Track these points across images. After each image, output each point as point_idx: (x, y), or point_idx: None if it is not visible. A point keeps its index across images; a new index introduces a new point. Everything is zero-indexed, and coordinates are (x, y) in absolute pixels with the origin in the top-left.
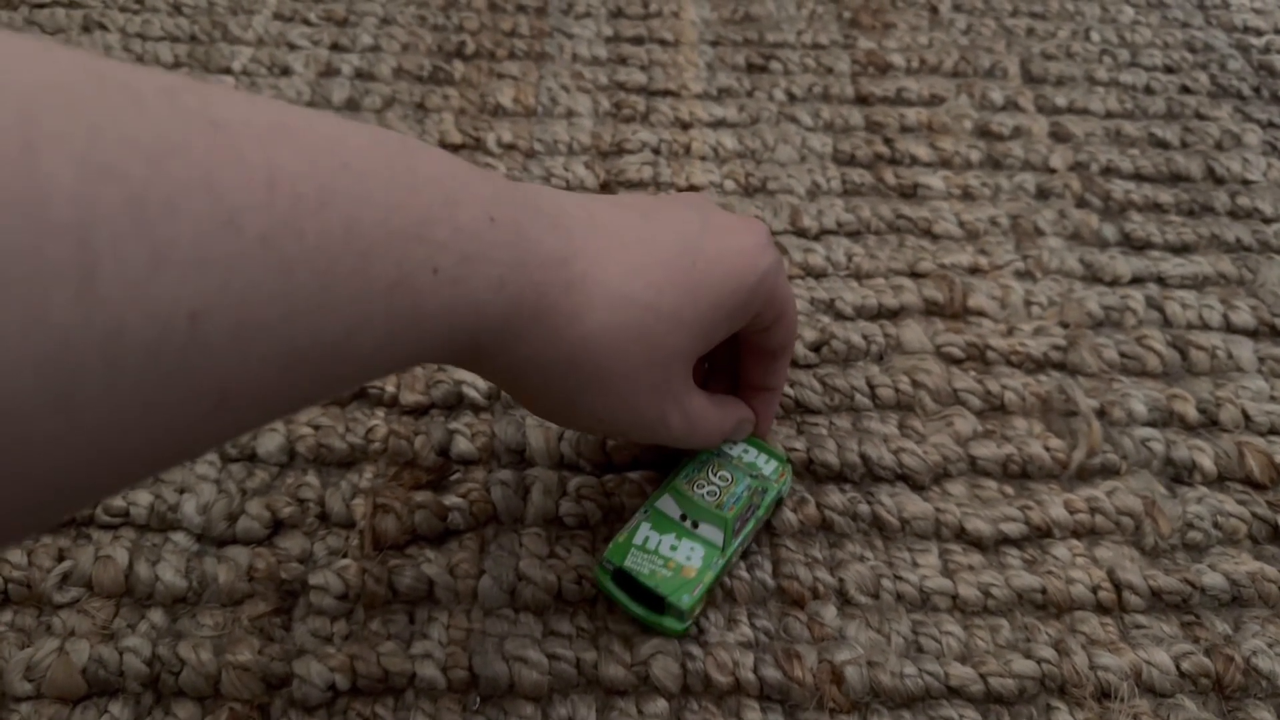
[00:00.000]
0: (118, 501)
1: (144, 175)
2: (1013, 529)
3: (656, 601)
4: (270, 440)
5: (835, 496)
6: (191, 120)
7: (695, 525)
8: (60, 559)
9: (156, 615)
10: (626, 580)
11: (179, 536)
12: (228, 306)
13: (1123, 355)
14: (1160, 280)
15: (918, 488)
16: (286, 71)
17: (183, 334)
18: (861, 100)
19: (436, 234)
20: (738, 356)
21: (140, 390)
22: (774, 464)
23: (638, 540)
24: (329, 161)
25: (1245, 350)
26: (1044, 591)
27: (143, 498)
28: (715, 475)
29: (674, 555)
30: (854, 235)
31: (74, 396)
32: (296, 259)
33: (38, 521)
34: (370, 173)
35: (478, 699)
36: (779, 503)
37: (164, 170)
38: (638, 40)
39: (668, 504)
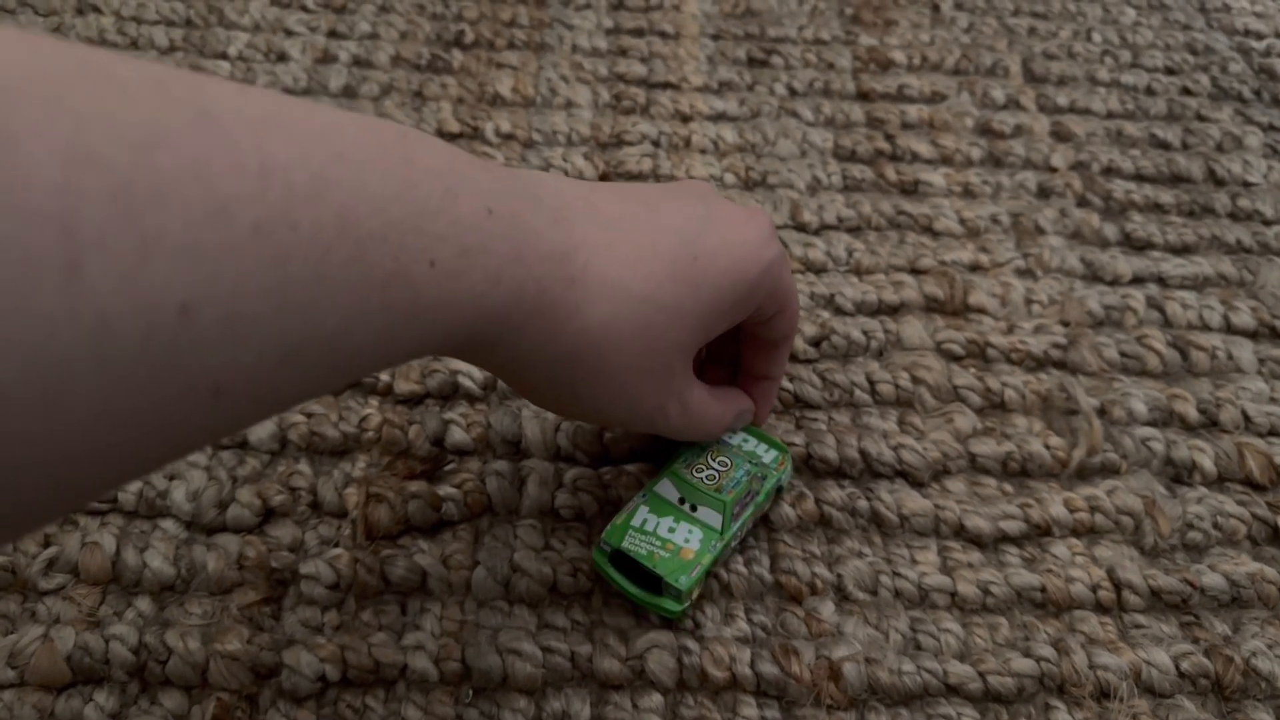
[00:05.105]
0: None
1: (130, 164)
2: (1012, 527)
3: (654, 583)
4: (262, 428)
5: (834, 492)
6: (181, 109)
7: (693, 508)
8: (46, 545)
9: (144, 603)
10: (624, 562)
11: (168, 523)
12: (220, 298)
13: (1123, 354)
14: (1161, 280)
15: (917, 484)
16: (283, 58)
17: (173, 326)
18: (863, 96)
19: (434, 226)
20: (737, 345)
21: (131, 383)
22: (773, 453)
23: (635, 522)
24: (323, 151)
25: (1245, 351)
26: (1043, 590)
27: (131, 484)
28: (714, 461)
29: (672, 537)
30: (855, 231)
31: (63, 388)
32: (290, 250)
33: (34, 518)
34: (366, 163)
35: (470, 691)
36: (778, 491)
37: (151, 159)
38: (638, 32)
39: (666, 488)
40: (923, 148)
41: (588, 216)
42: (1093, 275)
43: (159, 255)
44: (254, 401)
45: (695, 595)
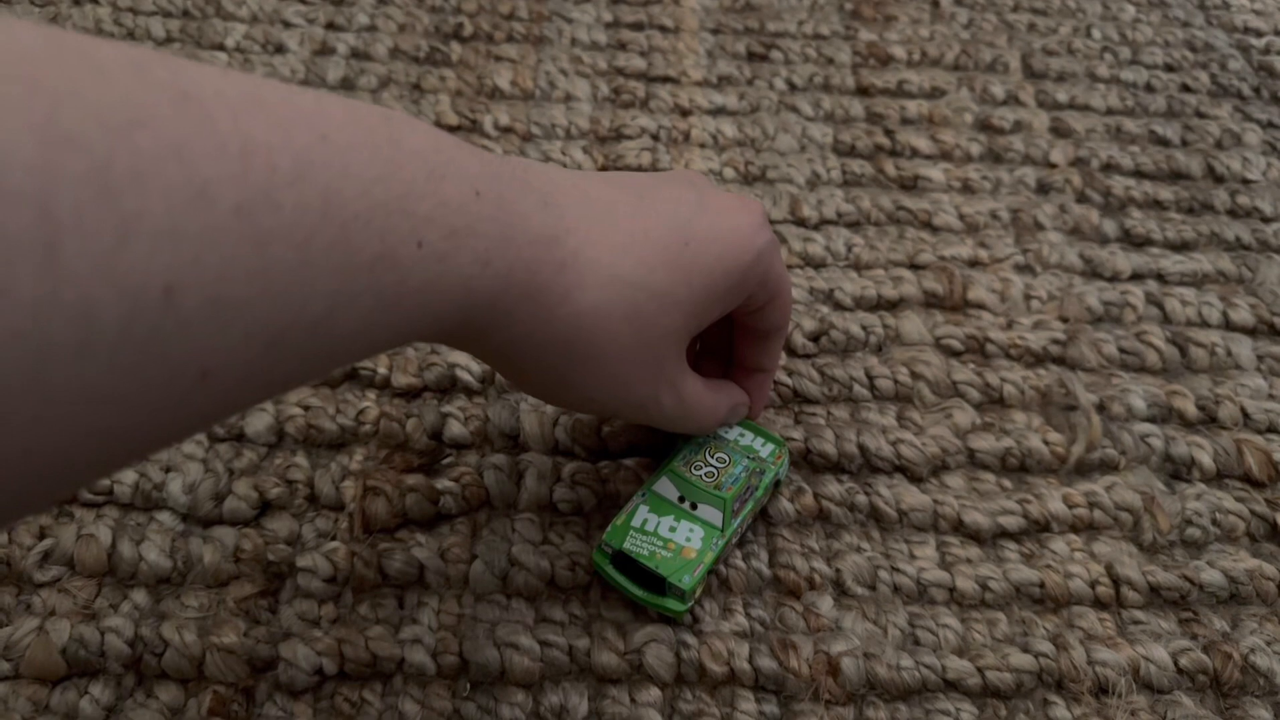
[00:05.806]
0: (101, 479)
1: (108, 145)
2: (1011, 522)
3: (656, 583)
4: (259, 420)
5: (832, 487)
6: (160, 91)
7: (694, 506)
8: (41, 537)
9: (140, 595)
10: (626, 563)
11: (164, 516)
12: (202, 281)
13: (1122, 350)
14: (1160, 277)
15: (915, 479)
16: (281, 49)
17: (156, 309)
18: (862, 91)
19: (420, 207)
20: (731, 337)
21: (115, 368)
22: (770, 446)
23: (635, 522)
24: (306, 133)
25: (1244, 348)
26: (1042, 585)
27: (127, 476)
28: (712, 457)
29: (673, 536)
30: (854, 226)
31: (45, 373)
32: (273, 231)
33: (18, 508)
34: (350, 145)
35: (468, 685)
36: (777, 485)
37: (130, 141)
38: (638, 26)
39: (665, 486)
40: (922, 143)
41: (578, 202)
42: (1092, 271)
43: (139, 237)
44: (242, 385)
45: (698, 594)
